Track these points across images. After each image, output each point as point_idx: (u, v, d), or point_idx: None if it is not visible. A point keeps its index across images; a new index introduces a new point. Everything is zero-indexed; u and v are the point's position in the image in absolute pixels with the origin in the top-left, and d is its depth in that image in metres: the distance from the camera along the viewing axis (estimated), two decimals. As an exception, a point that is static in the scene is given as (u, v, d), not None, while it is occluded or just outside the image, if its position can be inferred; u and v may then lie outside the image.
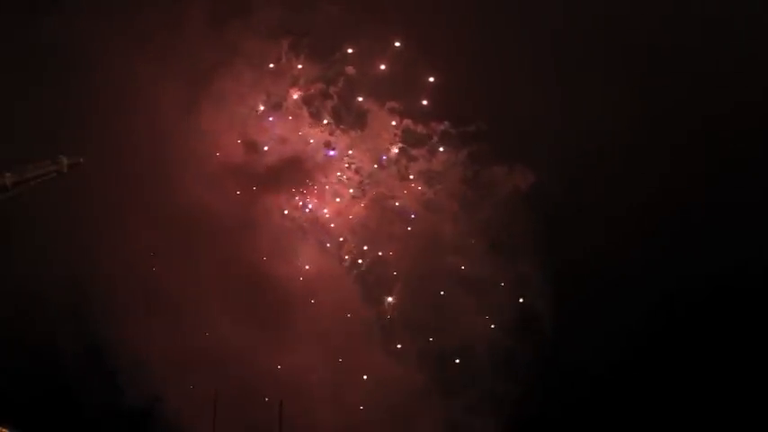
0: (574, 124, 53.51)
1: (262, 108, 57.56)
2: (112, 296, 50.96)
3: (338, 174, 57.78)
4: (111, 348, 50.47)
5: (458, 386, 53.99)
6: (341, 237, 56.92)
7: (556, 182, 53.99)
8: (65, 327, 49.93)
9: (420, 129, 57.31)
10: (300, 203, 57.53)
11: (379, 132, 57.54)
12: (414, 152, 57.55)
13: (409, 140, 57.66)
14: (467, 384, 54.03)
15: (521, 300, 54.80)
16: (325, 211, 57.35)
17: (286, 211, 56.88)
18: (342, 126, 57.84)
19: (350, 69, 56.90)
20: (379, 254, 56.62)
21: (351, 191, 57.77)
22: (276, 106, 57.79)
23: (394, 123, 57.36)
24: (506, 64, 55.00)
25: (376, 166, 57.78)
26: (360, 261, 56.63)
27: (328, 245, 56.88)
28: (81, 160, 36.63)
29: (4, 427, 39.81)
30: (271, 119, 57.68)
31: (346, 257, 56.64)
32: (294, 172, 56.09)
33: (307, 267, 55.68)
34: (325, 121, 57.66)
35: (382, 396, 52.96)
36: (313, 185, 57.25)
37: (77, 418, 48.94)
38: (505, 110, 54.20)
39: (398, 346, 54.99)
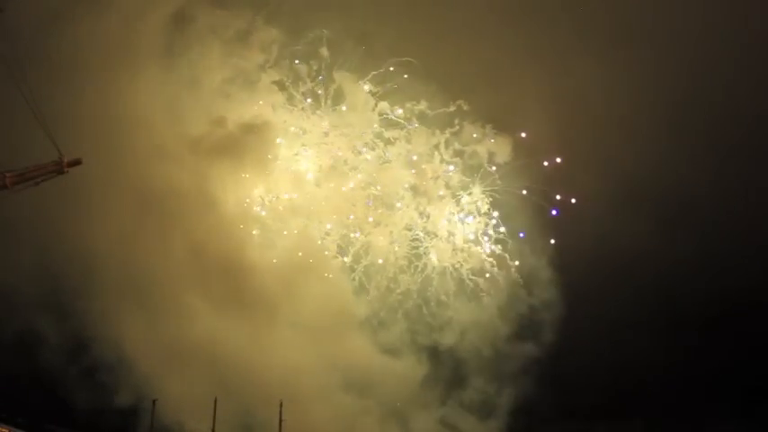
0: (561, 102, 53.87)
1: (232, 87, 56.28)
2: (92, 289, 50.04)
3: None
4: (96, 345, 49.69)
5: (454, 384, 54.58)
6: (324, 225, 56.50)
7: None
8: (46, 324, 49.03)
9: (397, 112, 56.91)
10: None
11: (356, 115, 57.28)
12: (392, 135, 56.94)
13: (387, 123, 57.11)
14: (464, 382, 54.65)
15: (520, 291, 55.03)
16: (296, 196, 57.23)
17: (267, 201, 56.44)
18: (318, 112, 57.32)
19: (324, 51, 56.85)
20: (365, 242, 56.26)
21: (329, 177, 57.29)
22: (250, 85, 56.67)
23: (370, 105, 57.17)
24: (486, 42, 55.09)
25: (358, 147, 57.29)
26: (345, 250, 56.37)
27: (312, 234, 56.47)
28: (81, 160, 36.02)
29: (4, 428, 39.29)
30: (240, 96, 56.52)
31: (331, 246, 56.30)
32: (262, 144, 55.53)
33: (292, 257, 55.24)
34: (301, 107, 57.31)
35: (376, 393, 53.06)
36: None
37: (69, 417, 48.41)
38: (487, 88, 54.79)
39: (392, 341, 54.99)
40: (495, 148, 55.69)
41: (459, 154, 56.50)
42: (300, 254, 55.33)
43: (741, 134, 53.11)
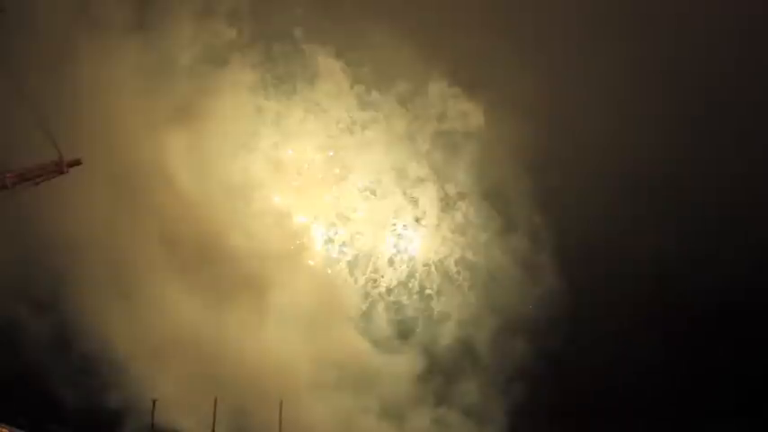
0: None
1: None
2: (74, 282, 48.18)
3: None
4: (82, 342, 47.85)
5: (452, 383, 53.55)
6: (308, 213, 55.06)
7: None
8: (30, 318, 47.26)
9: (374, 94, 55.76)
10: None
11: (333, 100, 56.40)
12: (371, 117, 55.70)
13: (365, 105, 55.69)
14: (457, 381, 53.65)
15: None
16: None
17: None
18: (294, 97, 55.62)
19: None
20: (351, 230, 55.09)
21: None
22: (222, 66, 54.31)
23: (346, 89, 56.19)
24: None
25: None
26: (333, 239, 54.96)
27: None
28: (81, 161, 35.53)
29: (4, 428, 38.76)
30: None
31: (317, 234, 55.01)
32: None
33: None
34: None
35: (371, 391, 52.27)
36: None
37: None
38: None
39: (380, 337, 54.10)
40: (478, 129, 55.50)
41: (441, 135, 56.01)
42: (284, 243, 54.32)
43: (744, 124, 53.62)
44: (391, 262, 55.03)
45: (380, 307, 54.63)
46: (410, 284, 55.09)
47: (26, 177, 34.63)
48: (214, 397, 44.84)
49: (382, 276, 54.84)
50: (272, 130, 55.58)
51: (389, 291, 54.87)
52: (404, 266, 55.07)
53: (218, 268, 51.45)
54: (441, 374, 53.62)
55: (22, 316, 46.72)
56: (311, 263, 54.52)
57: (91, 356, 47.68)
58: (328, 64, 55.62)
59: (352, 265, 54.82)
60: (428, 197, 55.58)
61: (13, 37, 43.09)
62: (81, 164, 36.36)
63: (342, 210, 55.39)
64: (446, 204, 55.62)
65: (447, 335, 54.43)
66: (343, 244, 54.95)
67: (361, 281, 54.72)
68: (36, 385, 46.08)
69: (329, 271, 54.68)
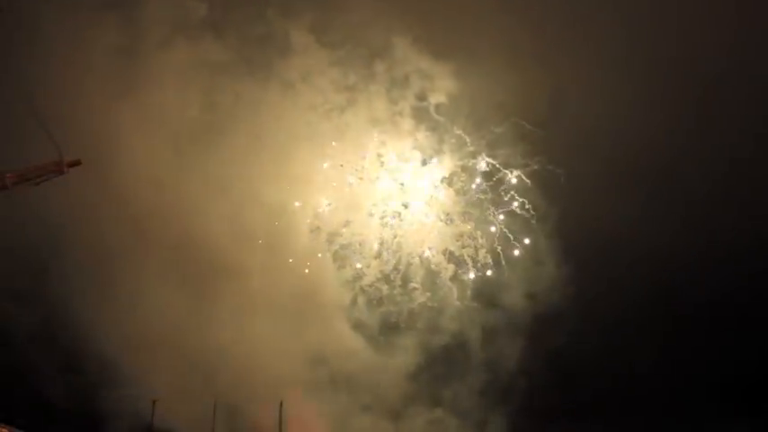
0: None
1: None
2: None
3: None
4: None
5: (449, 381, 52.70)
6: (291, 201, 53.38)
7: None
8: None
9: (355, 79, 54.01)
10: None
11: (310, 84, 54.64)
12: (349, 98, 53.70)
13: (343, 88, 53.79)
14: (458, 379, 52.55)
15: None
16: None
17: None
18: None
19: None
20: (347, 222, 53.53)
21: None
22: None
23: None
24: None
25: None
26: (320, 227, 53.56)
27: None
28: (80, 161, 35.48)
29: (4, 427, 38.89)
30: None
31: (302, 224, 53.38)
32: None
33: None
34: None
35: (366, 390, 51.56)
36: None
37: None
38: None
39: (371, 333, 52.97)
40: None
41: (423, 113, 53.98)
42: (266, 232, 52.98)
43: (741, 115, 53.13)
44: (378, 253, 53.71)
45: (363, 300, 53.42)
46: (392, 277, 53.74)
47: (26, 177, 34.46)
48: (210, 396, 44.71)
49: (369, 266, 53.57)
50: (250, 112, 54.07)
51: (372, 284, 53.57)
52: (390, 257, 53.72)
53: (201, 259, 50.43)
54: (433, 372, 52.83)
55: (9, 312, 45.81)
56: (294, 253, 53.11)
57: (79, 354, 46.73)
58: (303, 42, 54.07)
59: (336, 256, 53.52)
60: (415, 181, 54.11)
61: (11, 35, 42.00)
62: (81, 164, 35.94)
63: (327, 198, 54.06)
64: (435, 188, 54.11)
65: (441, 331, 53.40)
66: (329, 233, 53.56)
67: (346, 272, 53.47)
68: (25, 383, 45.37)
69: (312, 262, 53.40)
